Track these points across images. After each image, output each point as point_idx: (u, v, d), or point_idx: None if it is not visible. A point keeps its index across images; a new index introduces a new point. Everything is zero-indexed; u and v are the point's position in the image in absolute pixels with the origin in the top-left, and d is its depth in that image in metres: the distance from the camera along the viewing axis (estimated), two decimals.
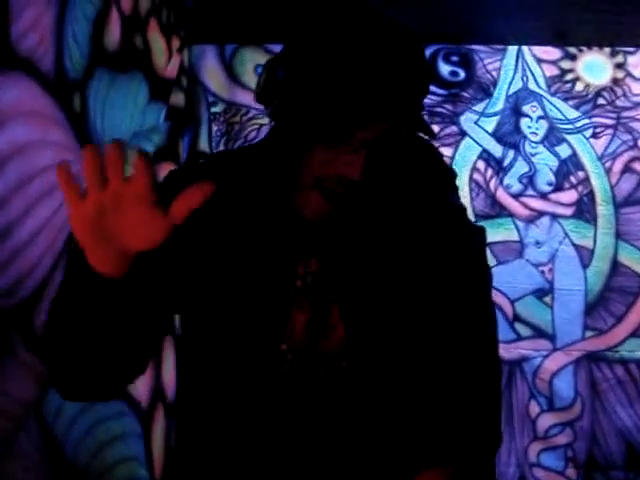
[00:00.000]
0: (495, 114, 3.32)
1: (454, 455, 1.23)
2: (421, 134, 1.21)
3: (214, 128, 3.29)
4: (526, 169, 3.25)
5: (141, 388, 2.48)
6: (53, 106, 1.83)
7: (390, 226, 1.28)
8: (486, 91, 3.34)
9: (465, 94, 3.34)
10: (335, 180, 1.16)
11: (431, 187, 1.33)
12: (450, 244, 1.30)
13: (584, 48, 3.38)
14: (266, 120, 1.28)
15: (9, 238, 1.73)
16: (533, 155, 3.27)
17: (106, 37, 2.13)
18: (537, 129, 3.30)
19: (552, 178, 3.24)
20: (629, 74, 3.33)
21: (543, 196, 3.23)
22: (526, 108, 3.33)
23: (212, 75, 3.34)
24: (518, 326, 3.10)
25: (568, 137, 3.28)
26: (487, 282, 1.35)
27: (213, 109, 3.30)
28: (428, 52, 3.32)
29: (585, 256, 3.15)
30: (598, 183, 3.23)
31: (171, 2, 2.85)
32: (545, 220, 3.20)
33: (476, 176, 3.26)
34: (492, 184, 3.25)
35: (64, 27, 1.85)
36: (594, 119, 3.29)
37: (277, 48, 3.24)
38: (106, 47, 2.15)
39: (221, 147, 3.26)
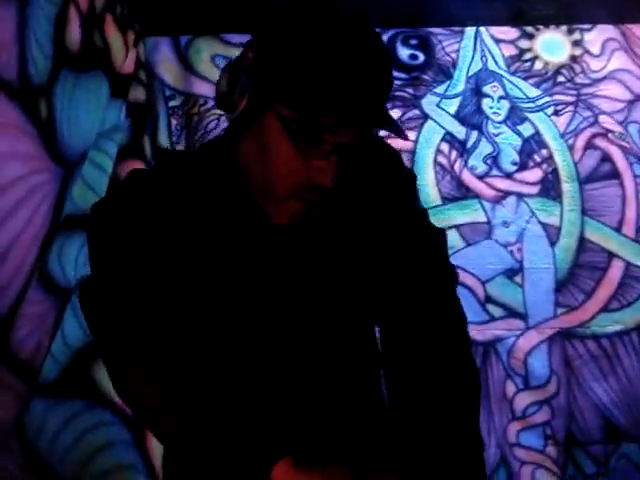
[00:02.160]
0: (456, 95, 3.32)
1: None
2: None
3: (173, 122, 3.22)
4: (490, 149, 3.26)
5: None
6: (20, 115, 1.76)
7: (354, 230, 1.29)
8: (446, 73, 3.33)
9: (425, 77, 3.33)
10: (308, 190, 1.16)
11: (393, 193, 1.33)
12: (412, 246, 1.30)
13: (541, 27, 3.39)
14: None
15: None
16: (496, 135, 3.27)
17: (67, 37, 2.06)
18: (499, 109, 3.30)
19: (516, 157, 3.25)
20: (587, 51, 3.36)
21: (508, 176, 3.23)
22: (487, 88, 3.33)
23: (168, 68, 3.26)
24: (490, 307, 3.11)
25: (530, 116, 3.29)
26: (451, 279, 1.35)
27: (171, 103, 3.23)
28: (386, 37, 3.29)
29: (552, 234, 3.17)
30: (562, 160, 3.24)
31: None
32: (511, 200, 3.21)
33: (440, 159, 3.25)
34: (457, 166, 3.24)
35: (26, 32, 1.77)
36: (555, 97, 3.31)
37: (233, 38, 3.22)
38: (68, 47, 2.07)
39: (182, 141, 3.19)
